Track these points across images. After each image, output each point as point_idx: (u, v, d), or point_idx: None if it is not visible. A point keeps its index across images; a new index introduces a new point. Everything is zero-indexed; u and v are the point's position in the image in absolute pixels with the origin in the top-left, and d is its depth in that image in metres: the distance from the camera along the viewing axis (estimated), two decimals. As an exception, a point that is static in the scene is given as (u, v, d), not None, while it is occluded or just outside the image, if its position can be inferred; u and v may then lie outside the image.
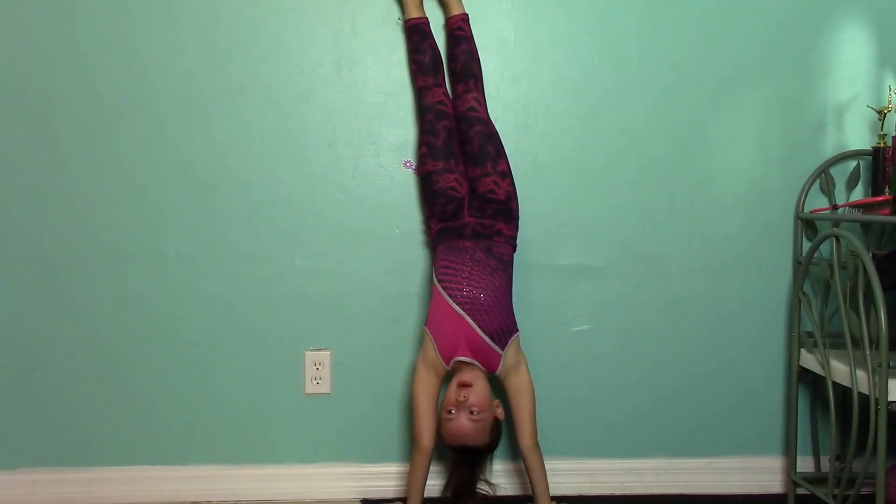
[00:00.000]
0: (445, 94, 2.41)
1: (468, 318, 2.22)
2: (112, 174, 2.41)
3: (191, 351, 2.45)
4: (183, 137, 2.42)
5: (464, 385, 2.19)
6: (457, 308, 2.23)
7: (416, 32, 2.39)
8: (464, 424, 2.19)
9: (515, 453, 2.47)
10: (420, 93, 2.40)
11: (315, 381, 2.48)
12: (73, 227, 2.41)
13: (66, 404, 2.44)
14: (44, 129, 2.39)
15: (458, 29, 2.40)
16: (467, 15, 2.41)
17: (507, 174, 2.36)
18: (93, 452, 2.45)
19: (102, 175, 2.40)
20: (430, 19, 2.41)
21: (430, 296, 2.31)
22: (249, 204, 2.44)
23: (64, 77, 2.38)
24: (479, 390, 2.20)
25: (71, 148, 2.40)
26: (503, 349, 2.25)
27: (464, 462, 2.27)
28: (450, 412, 2.20)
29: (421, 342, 2.31)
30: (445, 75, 2.43)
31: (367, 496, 2.49)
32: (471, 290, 2.23)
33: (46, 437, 2.44)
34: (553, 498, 2.31)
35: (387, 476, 2.50)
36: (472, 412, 2.18)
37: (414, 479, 2.26)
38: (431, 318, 2.28)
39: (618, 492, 2.55)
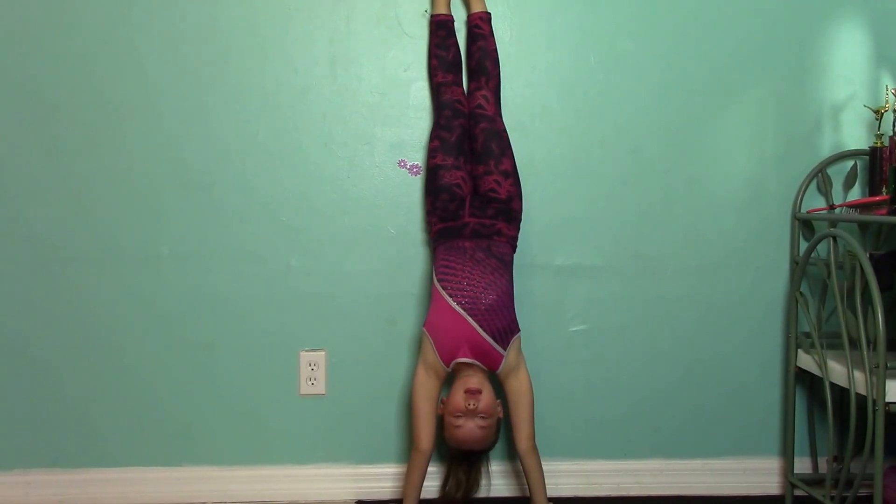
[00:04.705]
0: (463, 93, 2.42)
1: (469, 319, 2.20)
2: (108, 173, 2.40)
3: (186, 351, 2.45)
4: (179, 137, 2.41)
5: (472, 392, 2.17)
6: (458, 308, 2.21)
7: (441, 28, 2.40)
8: (474, 431, 2.19)
9: (514, 454, 2.46)
10: (438, 89, 2.40)
11: (310, 382, 2.47)
12: (70, 226, 2.40)
13: (61, 405, 2.43)
14: (42, 128, 2.38)
15: (476, 27, 2.40)
16: (488, 14, 2.41)
17: (509, 174, 2.35)
18: (87, 453, 2.44)
19: (98, 174, 2.40)
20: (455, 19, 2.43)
21: (430, 296, 2.30)
22: (245, 203, 2.43)
23: (62, 76, 2.38)
24: (487, 396, 2.19)
25: (68, 147, 2.39)
26: (505, 349, 2.24)
27: (464, 462, 2.28)
28: (458, 418, 2.19)
29: (419, 343, 2.30)
30: (464, 75, 2.44)
31: (363, 497, 2.48)
32: (472, 291, 2.22)
33: (41, 437, 2.43)
34: (550, 499, 2.30)
35: (382, 477, 2.49)
36: (481, 418, 2.18)
37: (411, 480, 2.25)
38: (430, 320, 2.26)
39: (614, 493, 2.54)
